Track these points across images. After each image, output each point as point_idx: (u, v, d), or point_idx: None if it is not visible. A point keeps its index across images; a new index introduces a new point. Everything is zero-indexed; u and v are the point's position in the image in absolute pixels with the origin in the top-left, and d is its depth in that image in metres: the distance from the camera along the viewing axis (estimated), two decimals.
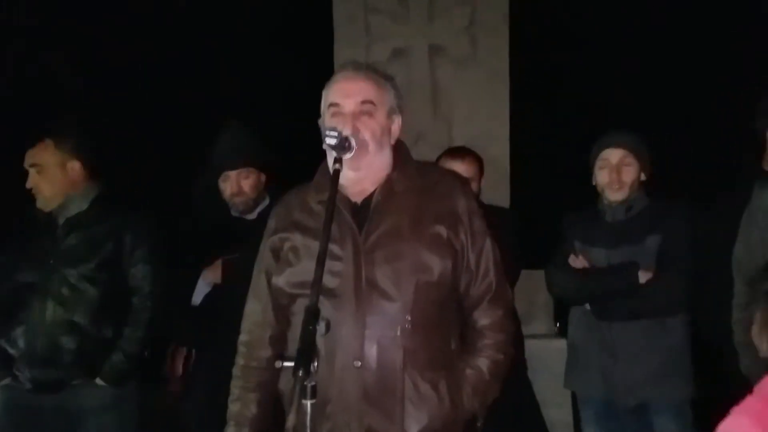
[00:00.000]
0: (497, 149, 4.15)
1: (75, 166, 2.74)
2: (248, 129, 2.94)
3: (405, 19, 4.34)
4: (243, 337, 1.89)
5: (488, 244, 1.82)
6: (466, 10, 4.29)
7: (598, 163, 2.83)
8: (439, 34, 4.30)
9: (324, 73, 1.90)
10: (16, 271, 2.67)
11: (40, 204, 2.74)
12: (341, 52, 4.30)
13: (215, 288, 2.82)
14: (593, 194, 2.92)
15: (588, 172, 2.91)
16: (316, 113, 1.85)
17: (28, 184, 2.74)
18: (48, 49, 5.66)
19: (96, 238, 2.69)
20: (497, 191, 3.90)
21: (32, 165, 2.73)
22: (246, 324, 1.89)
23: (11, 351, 2.63)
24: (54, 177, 2.71)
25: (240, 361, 1.88)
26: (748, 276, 2.22)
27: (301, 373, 1.25)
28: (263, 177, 2.88)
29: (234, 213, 2.88)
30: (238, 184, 2.82)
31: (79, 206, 2.73)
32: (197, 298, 2.85)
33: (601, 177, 2.82)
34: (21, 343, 2.61)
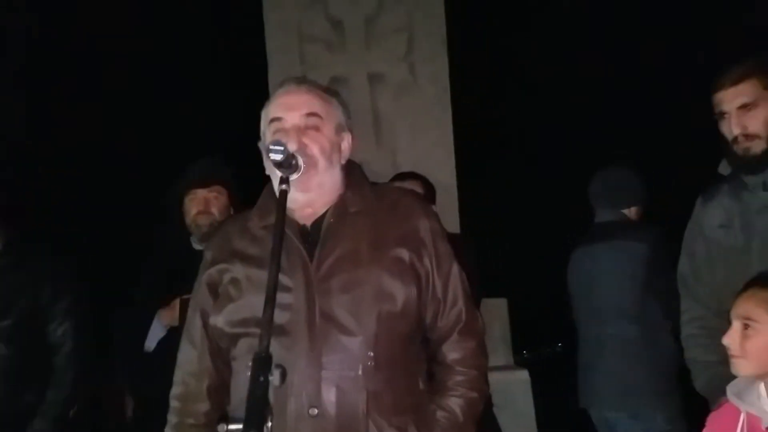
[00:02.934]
0: (443, 175, 4.06)
1: None
2: (214, 155, 2.82)
3: (341, 47, 4.26)
4: (176, 390, 1.64)
5: (455, 269, 1.64)
6: (403, 37, 4.25)
7: None
8: (377, 62, 4.23)
9: (259, 106, 1.73)
10: None
11: None
12: (276, 82, 4.13)
13: (171, 332, 2.54)
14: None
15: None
16: (254, 145, 1.67)
17: None
18: None
19: (10, 290, 2.38)
20: (445, 218, 3.77)
21: None
22: (179, 374, 1.64)
23: None
24: None
25: (173, 418, 1.62)
26: (695, 291, 2.15)
27: None
28: (231, 208, 2.65)
29: (195, 244, 2.62)
30: (205, 201, 2.59)
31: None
32: (151, 343, 2.58)
33: None
34: None
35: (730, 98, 2.00)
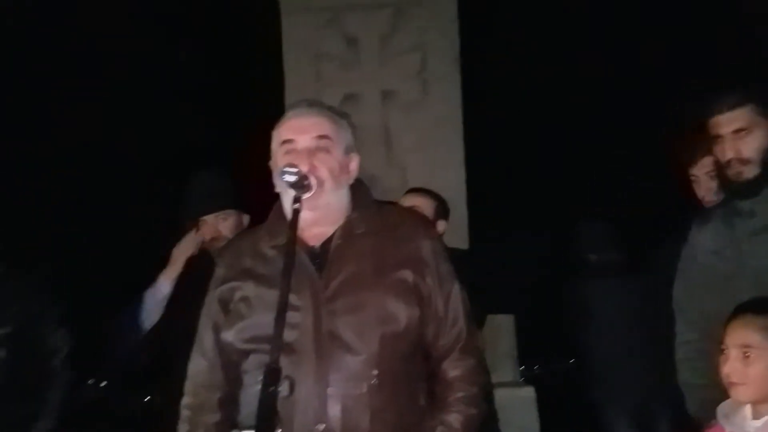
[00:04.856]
0: (453, 192, 4.09)
1: None
2: (218, 172, 2.81)
3: (356, 64, 4.33)
4: (187, 400, 1.70)
5: (456, 288, 1.70)
6: (416, 56, 4.31)
7: None
8: (390, 79, 4.30)
9: (274, 122, 1.80)
10: None
11: None
12: (292, 98, 4.22)
13: (169, 308, 2.60)
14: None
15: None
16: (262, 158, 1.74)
17: None
18: None
19: (7, 297, 2.45)
20: (454, 234, 3.84)
21: None
22: (190, 385, 1.70)
23: None
24: None
25: (184, 427, 1.68)
26: (689, 314, 2.17)
27: None
28: (246, 218, 2.71)
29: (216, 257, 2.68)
30: (215, 228, 2.65)
31: None
32: (148, 320, 2.63)
33: None
34: None
35: (726, 122, 2.04)
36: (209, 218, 2.66)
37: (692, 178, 2.74)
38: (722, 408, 1.77)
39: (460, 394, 1.66)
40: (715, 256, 2.08)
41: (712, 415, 1.82)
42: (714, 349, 1.81)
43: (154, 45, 5.80)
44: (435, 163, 4.19)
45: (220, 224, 2.66)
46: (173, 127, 5.86)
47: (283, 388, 1.18)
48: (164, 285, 2.68)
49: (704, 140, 2.16)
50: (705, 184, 2.67)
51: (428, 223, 1.83)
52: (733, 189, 2.07)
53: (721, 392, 1.80)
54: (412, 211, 2.08)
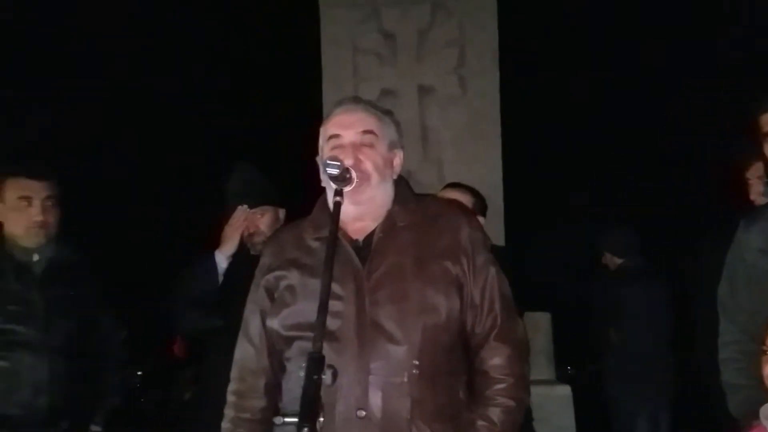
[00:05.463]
0: (489, 189, 4.06)
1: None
2: (257, 166, 2.85)
3: (393, 60, 4.33)
4: (234, 386, 1.73)
5: (492, 274, 1.69)
6: (454, 51, 4.29)
7: None
8: (427, 74, 4.29)
9: (312, 116, 1.83)
10: None
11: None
12: (329, 93, 4.26)
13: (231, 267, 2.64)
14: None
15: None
16: (308, 155, 1.77)
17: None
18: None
19: (79, 285, 2.56)
20: (491, 230, 3.80)
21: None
22: (237, 371, 1.74)
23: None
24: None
25: (230, 412, 1.72)
26: (733, 314, 2.14)
27: (306, 430, 1.11)
28: (282, 213, 2.77)
29: (253, 252, 2.72)
30: (253, 223, 2.70)
31: (51, 250, 2.56)
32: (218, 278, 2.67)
33: None
34: (8, 405, 2.38)
35: None
36: (247, 212, 2.71)
37: (747, 181, 2.80)
38: (765, 409, 1.74)
39: (497, 386, 1.65)
40: (763, 255, 2.04)
41: (754, 416, 1.78)
42: (758, 350, 1.78)
43: (193, 41, 5.89)
44: (472, 158, 4.17)
45: (258, 220, 2.71)
46: (211, 122, 5.95)
47: (327, 377, 1.20)
48: (221, 261, 2.71)
49: (757, 142, 2.12)
50: (756, 188, 2.75)
51: (468, 212, 1.82)
52: None
53: (764, 393, 1.77)
54: (452, 202, 2.07)
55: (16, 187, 2.50)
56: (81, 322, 2.51)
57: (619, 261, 4.44)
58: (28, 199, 2.49)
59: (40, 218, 2.48)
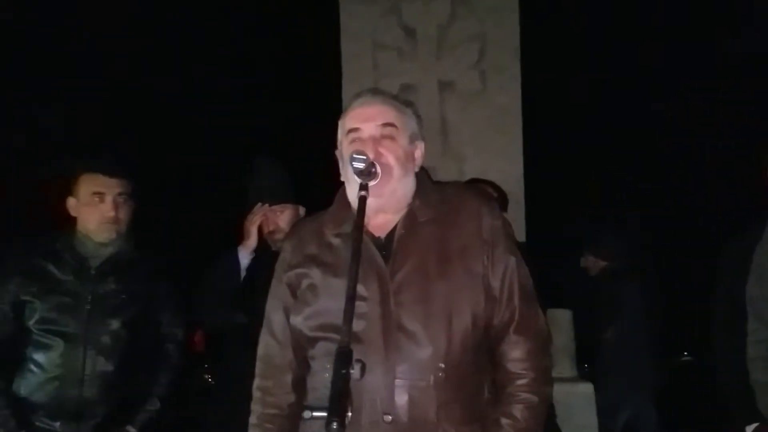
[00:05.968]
0: (510, 185, 4.02)
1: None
2: (278, 163, 2.85)
3: (413, 55, 4.30)
4: (259, 382, 1.72)
5: (512, 264, 1.64)
6: (475, 46, 4.25)
7: None
8: (447, 70, 4.26)
9: (332, 111, 1.81)
10: (26, 310, 2.44)
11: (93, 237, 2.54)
12: (349, 89, 4.24)
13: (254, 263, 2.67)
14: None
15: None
16: (327, 149, 1.75)
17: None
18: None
19: (132, 283, 2.55)
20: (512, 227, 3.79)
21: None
22: (262, 367, 1.72)
23: (26, 400, 2.42)
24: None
25: (257, 408, 1.70)
26: (763, 313, 2.09)
27: (335, 425, 1.09)
28: (302, 210, 2.78)
29: (273, 249, 2.72)
30: (273, 221, 2.72)
31: (116, 246, 2.56)
32: (237, 275, 2.71)
33: None
34: (42, 393, 2.41)
35: None
36: (266, 209, 2.73)
37: None
38: None
39: (519, 382, 1.61)
40: None
41: None
42: None
43: (212, 36, 5.91)
44: (493, 154, 4.14)
45: (278, 217, 2.72)
46: (231, 119, 5.97)
47: (355, 372, 1.19)
48: (244, 257, 2.74)
49: None
50: None
51: (491, 200, 1.75)
52: None
53: None
54: (474, 189, 1.98)
55: (90, 183, 2.53)
56: (130, 321, 2.50)
57: (603, 264, 4.47)
58: (100, 194, 2.52)
59: (111, 214, 2.51)
